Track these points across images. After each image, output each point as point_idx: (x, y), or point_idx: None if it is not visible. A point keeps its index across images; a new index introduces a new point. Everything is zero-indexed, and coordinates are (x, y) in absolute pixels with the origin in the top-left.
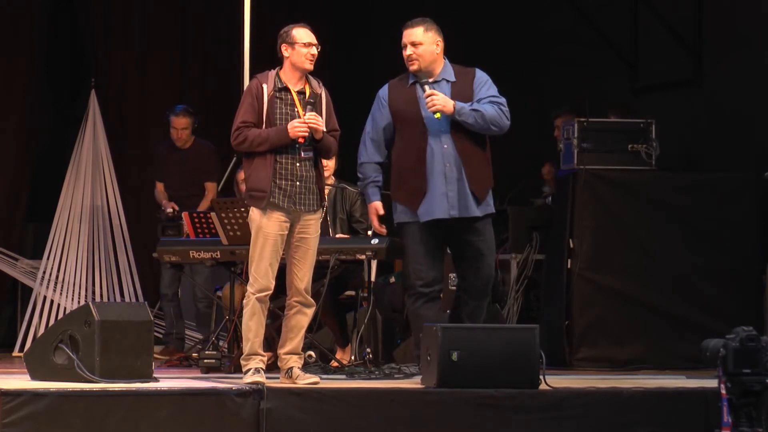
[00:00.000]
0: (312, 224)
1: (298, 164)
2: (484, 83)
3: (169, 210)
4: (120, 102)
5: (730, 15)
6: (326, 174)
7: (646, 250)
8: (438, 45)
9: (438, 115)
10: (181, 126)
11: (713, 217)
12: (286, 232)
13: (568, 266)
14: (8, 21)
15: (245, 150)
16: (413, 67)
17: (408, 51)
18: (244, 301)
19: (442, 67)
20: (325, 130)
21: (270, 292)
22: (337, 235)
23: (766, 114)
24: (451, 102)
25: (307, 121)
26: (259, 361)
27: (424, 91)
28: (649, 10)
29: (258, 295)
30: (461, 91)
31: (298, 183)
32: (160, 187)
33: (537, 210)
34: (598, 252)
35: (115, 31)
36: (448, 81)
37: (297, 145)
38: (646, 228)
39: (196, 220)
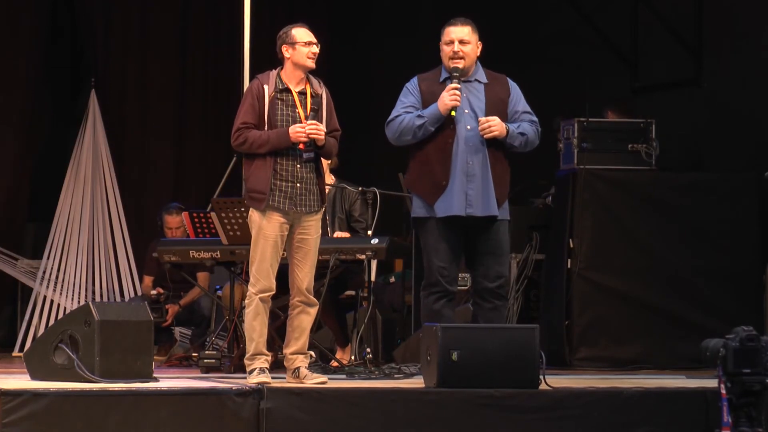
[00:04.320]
0: (312, 225)
1: (299, 165)
2: (519, 96)
3: (154, 293)
4: (120, 102)
5: (730, 15)
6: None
7: (646, 250)
8: (478, 47)
9: (453, 112)
10: (175, 225)
11: (713, 217)
12: (287, 233)
13: (568, 266)
14: (8, 21)
15: (245, 151)
16: (459, 65)
17: (456, 47)
18: (246, 302)
19: (475, 68)
20: (325, 134)
21: (272, 291)
22: (337, 233)
23: (766, 114)
24: (505, 126)
25: (307, 130)
26: (264, 361)
27: (452, 83)
28: (649, 10)
29: (261, 295)
30: (496, 94)
31: (298, 184)
32: (147, 281)
33: (537, 210)
34: (598, 252)
35: (115, 31)
36: (480, 82)
37: (298, 150)
38: (646, 228)
39: (196, 220)
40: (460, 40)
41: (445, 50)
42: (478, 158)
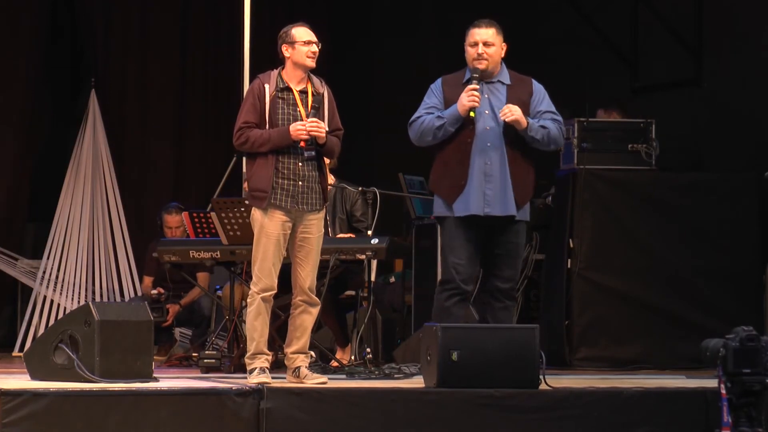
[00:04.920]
0: (314, 224)
1: (300, 164)
2: (543, 97)
3: (154, 292)
4: (120, 102)
5: (730, 15)
6: None
7: (646, 250)
8: (503, 49)
9: (473, 113)
10: (174, 224)
11: (713, 217)
12: (289, 232)
13: (568, 266)
14: (8, 21)
15: (247, 150)
16: (481, 66)
17: (480, 49)
18: (249, 300)
19: (499, 69)
20: (327, 131)
21: (274, 291)
22: (339, 235)
23: (766, 114)
24: (525, 118)
25: (308, 127)
26: (264, 360)
27: (470, 83)
28: (649, 10)
29: (263, 294)
30: (517, 96)
31: (300, 183)
32: (147, 281)
33: (537, 210)
34: (598, 252)
35: (115, 31)
36: (503, 83)
37: (299, 148)
38: (646, 228)
39: (196, 220)
40: (485, 41)
41: (470, 51)
42: (497, 158)
